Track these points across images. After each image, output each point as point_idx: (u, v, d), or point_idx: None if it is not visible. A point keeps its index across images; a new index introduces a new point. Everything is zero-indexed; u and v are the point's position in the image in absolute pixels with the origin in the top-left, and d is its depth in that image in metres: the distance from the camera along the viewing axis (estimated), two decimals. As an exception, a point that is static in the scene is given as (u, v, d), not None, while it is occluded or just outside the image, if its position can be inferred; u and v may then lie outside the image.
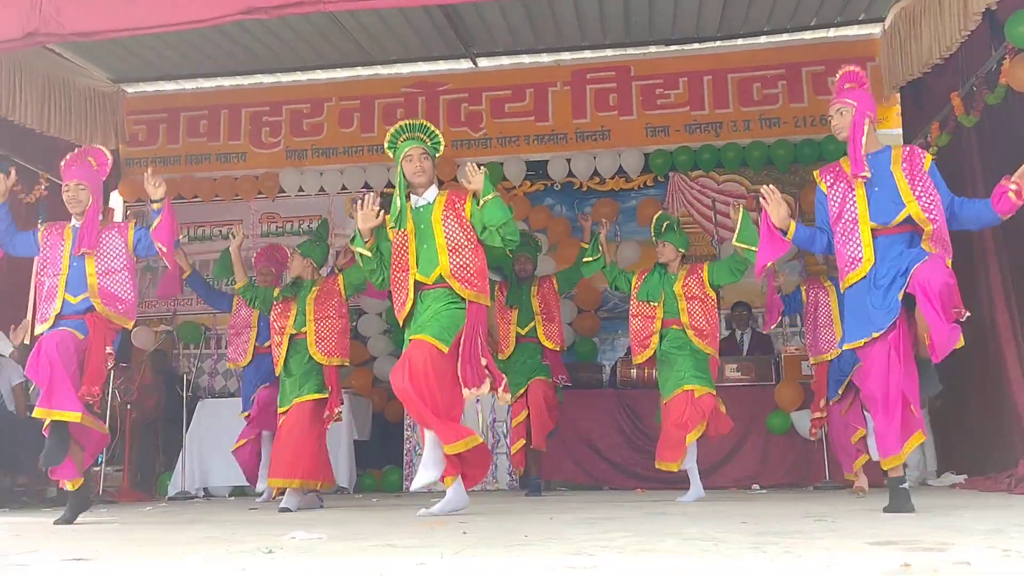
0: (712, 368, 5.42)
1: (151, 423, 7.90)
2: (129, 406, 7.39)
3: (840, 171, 3.86)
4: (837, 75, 3.98)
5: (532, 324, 6.26)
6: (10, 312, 7.07)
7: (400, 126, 4.29)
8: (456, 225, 4.14)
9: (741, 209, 5.08)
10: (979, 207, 3.78)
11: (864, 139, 3.75)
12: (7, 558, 2.51)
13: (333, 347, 5.39)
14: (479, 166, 4.18)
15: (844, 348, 3.87)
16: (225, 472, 7.31)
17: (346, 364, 5.57)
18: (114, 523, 4.39)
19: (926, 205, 3.62)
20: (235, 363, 6.70)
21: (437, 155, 4.28)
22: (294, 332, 5.42)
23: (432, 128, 4.28)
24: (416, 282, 4.14)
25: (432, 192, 4.25)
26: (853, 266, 3.71)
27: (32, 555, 2.60)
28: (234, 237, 5.79)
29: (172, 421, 7.74)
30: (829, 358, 5.59)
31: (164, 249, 4.48)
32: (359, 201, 4.23)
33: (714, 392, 5.33)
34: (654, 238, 5.59)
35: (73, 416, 4.16)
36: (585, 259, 5.95)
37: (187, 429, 7.43)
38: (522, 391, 6.23)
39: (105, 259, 4.44)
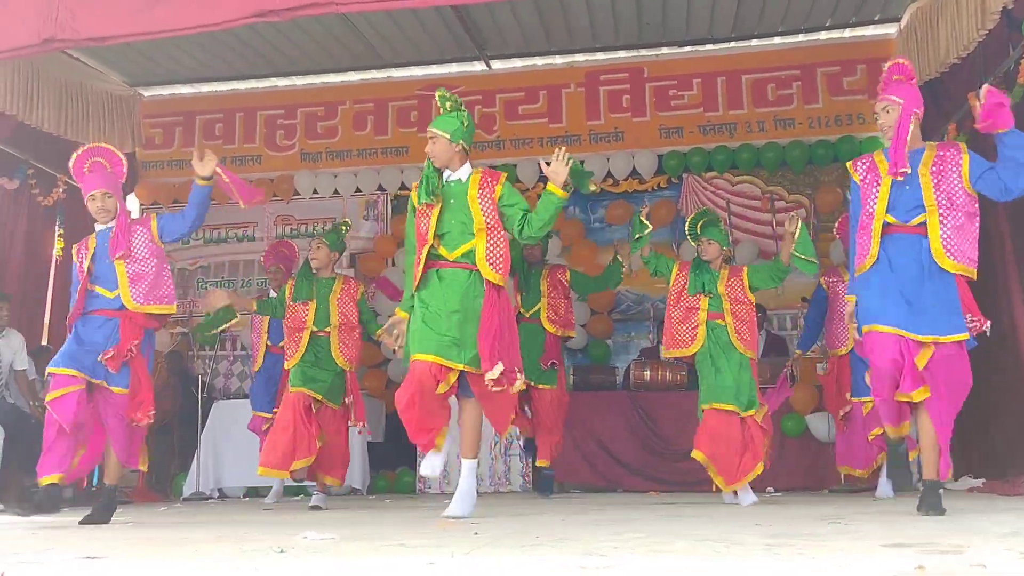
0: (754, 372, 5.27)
1: (166, 424, 7.93)
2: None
3: (872, 164, 3.81)
4: (885, 66, 3.88)
5: (537, 307, 6.21)
6: (24, 313, 7.13)
7: (447, 98, 4.16)
8: (491, 205, 4.06)
9: (799, 222, 5.11)
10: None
11: (908, 137, 3.66)
12: (23, 555, 2.53)
13: (354, 354, 5.49)
14: (569, 158, 3.97)
15: (868, 328, 3.70)
16: (239, 473, 7.34)
17: (355, 369, 5.62)
18: (128, 523, 4.41)
19: (946, 215, 3.57)
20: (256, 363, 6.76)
21: (461, 123, 4.11)
22: (315, 330, 5.43)
23: (451, 98, 4.15)
24: (433, 255, 4.04)
25: (466, 170, 4.14)
26: (862, 259, 3.73)
27: (47, 553, 2.61)
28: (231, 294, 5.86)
29: (187, 422, 7.78)
30: (842, 352, 5.62)
31: (243, 202, 4.51)
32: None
33: (763, 412, 5.19)
34: (691, 239, 5.43)
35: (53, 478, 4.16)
36: (635, 236, 5.55)
37: (202, 430, 7.47)
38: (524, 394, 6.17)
39: (135, 262, 4.37)
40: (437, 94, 4.21)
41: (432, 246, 4.05)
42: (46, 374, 4.33)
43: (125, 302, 4.30)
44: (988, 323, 3.86)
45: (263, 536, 3.09)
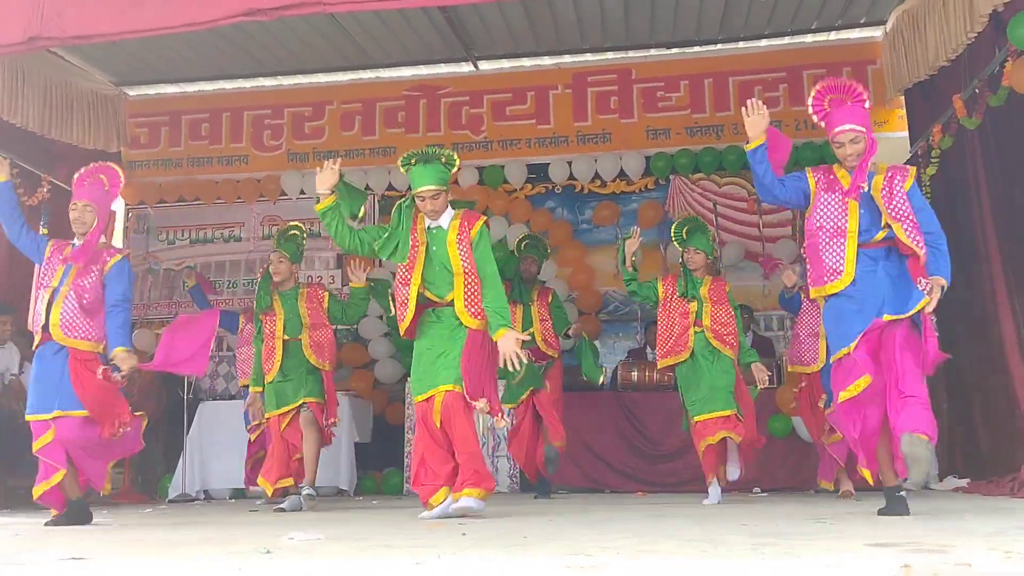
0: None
1: (152, 425, 7.85)
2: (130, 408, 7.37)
3: (834, 179, 3.82)
4: (822, 84, 3.92)
5: (531, 330, 6.21)
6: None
7: (412, 153, 4.24)
8: (467, 249, 4.17)
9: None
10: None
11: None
12: (6, 556, 2.51)
13: (326, 353, 5.50)
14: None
15: (831, 359, 3.81)
16: (225, 474, 7.31)
17: (332, 370, 5.61)
18: (113, 524, 4.38)
19: (907, 228, 3.62)
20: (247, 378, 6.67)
21: (454, 170, 4.22)
22: (287, 338, 5.44)
23: (449, 153, 4.22)
24: (423, 298, 4.18)
25: (447, 216, 4.24)
26: (833, 277, 3.71)
27: (31, 554, 2.59)
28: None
29: (173, 423, 7.74)
30: (808, 371, 5.65)
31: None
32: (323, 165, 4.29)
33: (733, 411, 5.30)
34: (678, 244, 5.50)
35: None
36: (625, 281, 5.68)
37: (188, 431, 7.43)
38: (523, 397, 6.19)
39: (82, 290, 4.35)
40: (410, 153, 4.23)
41: (421, 291, 4.18)
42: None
43: (52, 329, 4.29)
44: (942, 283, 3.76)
45: (249, 537, 3.08)
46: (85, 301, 4.32)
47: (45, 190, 7.86)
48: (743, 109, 4.00)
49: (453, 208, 4.29)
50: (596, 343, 8.34)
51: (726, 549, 2.26)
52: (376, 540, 2.78)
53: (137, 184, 9.06)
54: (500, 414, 4.25)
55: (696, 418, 5.38)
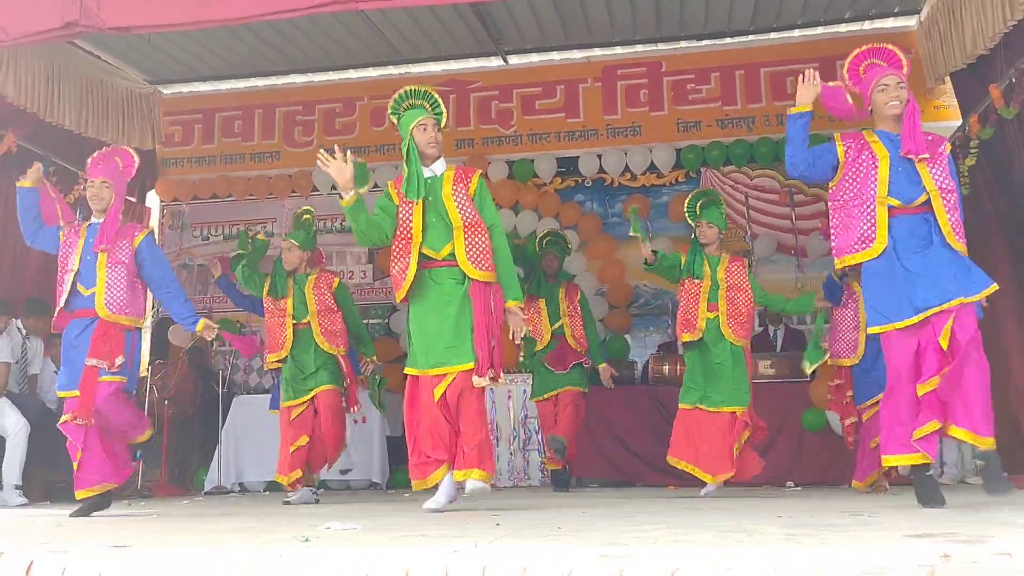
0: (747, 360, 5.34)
1: (187, 419, 8.00)
2: (166, 402, 7.49)
3: (864, 144, 3.73)
4: (868, 51, 3.89)
5: (560, 323, 6.24)
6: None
7: (404, 92, 4.14)
8: (466, 201, 4.01)
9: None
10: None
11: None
12: (51, 544, 2.56)
13: (337, 337, 5.50)
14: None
15: (883, 328, 3.63)
16: (260, 467, 7.39)
17: (347, 354, 5.61)
18: (152, 515, 4.45)
19: (946, 197, 3.55)
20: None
21: (442, 124, 4.15)
22: (295, 322, 5.49)
23: (435, 95, 4.14)
24: (421, 255, 3.98)
25: (441, 164, 4.12)
26: (864, 245, 3.61)
27: (74, 543, 2.64)
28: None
29: (208, 417, 7.84)
30: (847, 363, 5.49)
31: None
32: (326, 154, 4.00)
33: (747, 407, 5.25)
34: (690, 219, 5.42)
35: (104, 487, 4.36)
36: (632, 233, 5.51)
37: (223, 425, 7.53)
38: (553, 394, 6.23)
39: (115, 265, 4.43)
40: (402, 92, 4.14)
41: (418, 246, 3.98)
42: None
43: (98, 307, 4.35)
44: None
45: (286, 527, 3.11)
46: (123, 275, 4.41)
47: (82, 188, 7.97)
48: (799, 77, 3.89)
49: None
50: (627, 337, 8.33)
51: (762, 538, 2.25)
52: (411, 530, 2.80)
53: (171, 181, 9.17)
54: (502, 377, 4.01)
55: (682, 404, 5.34)
